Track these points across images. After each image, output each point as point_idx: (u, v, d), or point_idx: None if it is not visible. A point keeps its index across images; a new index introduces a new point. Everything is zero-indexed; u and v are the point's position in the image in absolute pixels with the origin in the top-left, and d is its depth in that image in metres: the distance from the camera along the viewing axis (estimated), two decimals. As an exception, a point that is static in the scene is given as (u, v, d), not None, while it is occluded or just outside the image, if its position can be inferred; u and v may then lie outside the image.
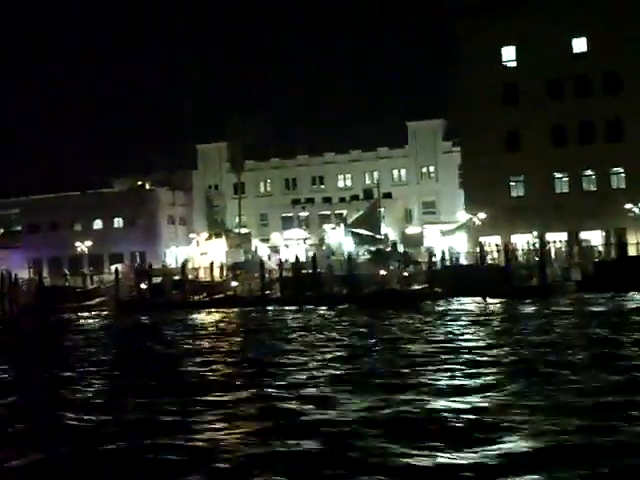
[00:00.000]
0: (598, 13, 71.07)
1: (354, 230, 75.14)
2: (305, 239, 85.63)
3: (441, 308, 47.04)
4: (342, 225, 76.30)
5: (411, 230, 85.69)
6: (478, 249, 64.09)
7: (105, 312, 64.90)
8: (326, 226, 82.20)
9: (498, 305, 47.37)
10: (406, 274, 60.80)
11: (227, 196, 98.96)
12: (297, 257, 64.36)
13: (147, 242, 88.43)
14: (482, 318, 38.59)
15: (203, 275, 72.79)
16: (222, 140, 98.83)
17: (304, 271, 63.07)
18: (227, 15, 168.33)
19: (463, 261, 68.69)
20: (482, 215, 71.57)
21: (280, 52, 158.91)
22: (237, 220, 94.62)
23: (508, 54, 75.14)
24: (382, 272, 59.32)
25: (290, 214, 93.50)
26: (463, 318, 38.80)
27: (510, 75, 74.20)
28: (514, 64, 74.95)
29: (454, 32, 75.34)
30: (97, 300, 71.23)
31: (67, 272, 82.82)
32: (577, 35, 72.71)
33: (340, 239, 73.67)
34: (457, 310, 44.94)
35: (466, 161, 77.11)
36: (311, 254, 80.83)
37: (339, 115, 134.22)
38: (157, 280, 70.21)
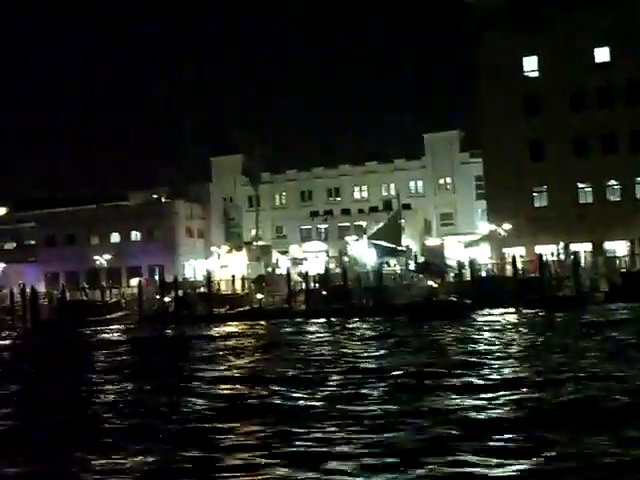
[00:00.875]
0: (620, 23, 70.93)
1: (375, 242, 74.71)
2: (325, 251, 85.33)
3: (485, 318, 46.71)
4: (365, 237, 75.82)
5: (431, 242, 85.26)
6: (509, 259, 64.00)
7: (128, 325, 64.49)
8: (348, 238, 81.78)
9: (540, 315, 47.08)
10: (435, 285, 60.41)
11: (242, 208, 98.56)
12: (327, 269, 64.02)
13: (165, 255, 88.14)
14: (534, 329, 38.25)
15: (224, 288, 72.41)
16: (236, 153, 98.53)
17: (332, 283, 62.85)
18: (231, 31, 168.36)
19: (484, 273, 68.27)
20: (507, 226, 71.20)
21: (291, 64, 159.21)
22: (253, 232, 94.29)
23: (530, 64, 74.93)
24: (431, 283, 59.10)
25: (309, 226, 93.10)
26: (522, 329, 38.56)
27: (532, 86, 73.98)
28: (536, 74, 74.72)
29: (476, 43, 75.16)
30: (119, 314, 70.79)
31: (86, 286, 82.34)
32: (599, 45, 72.50)
33: (363, 251, 73.16)
34: (501, 321, 44.62)
35: (488, 172, 76.70)
36: (331, 266, 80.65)
37: (354, 127, 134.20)
38: (179, 293, 69.93)
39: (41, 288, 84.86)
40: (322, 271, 70.98)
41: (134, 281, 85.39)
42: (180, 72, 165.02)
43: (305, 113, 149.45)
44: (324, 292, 61.81)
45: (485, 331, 38.36)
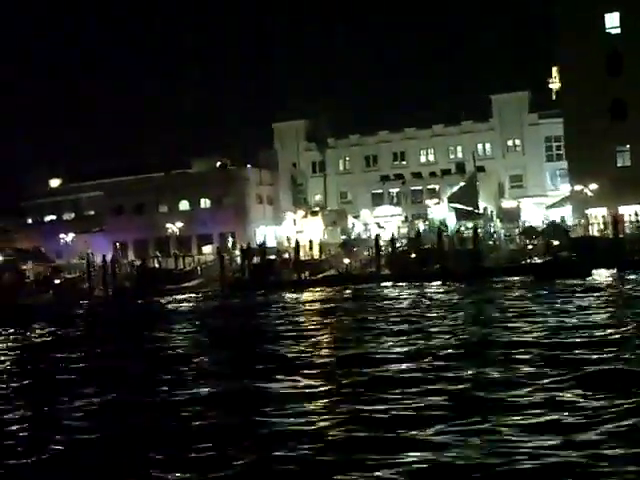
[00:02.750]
0: None
1: (454, 205, 73.88)
2: (404, 216, 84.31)
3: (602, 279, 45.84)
4: (445, 200, 74.86)
5: (507, 204, 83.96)
6: (593, 220, 62.99)
7: (206, 293, 63.88)
8: (429, 201, 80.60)
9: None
10: (530, 247, 59.64)
11: (307, 174, 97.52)
12: (418, 231, 63.14)
13: (236, 222, 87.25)
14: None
15: (301, 253, 71.67)
16: (299, 118, 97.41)
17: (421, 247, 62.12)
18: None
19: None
20: (593, 186, 69.76)
21: (358, 26, 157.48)
22: (317, 198, 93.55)
23: (612, 21, 73.12)
24: (530, 246, 58.54)
25: (380, 190, 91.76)
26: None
27: (614, 43, 72.15)
28: (618, 31, 72.90)
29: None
30: (196, 281, 70.36)
31: (159, 254, 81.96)
32: (685, -1, 70.58)
33: (444, 214, 72.19)
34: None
35: (569, 132, 75.16)
36: (404, 231, 79.82)
37: (419, 90, 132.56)
38: (257, 259, 69.35)
39: (108, 257, 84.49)
40: (395, 236, 70.20)
41: (207, 248, 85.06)
42: (238, 40, 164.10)
43: (368, 77, 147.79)
44: (413, 255, 60.96)
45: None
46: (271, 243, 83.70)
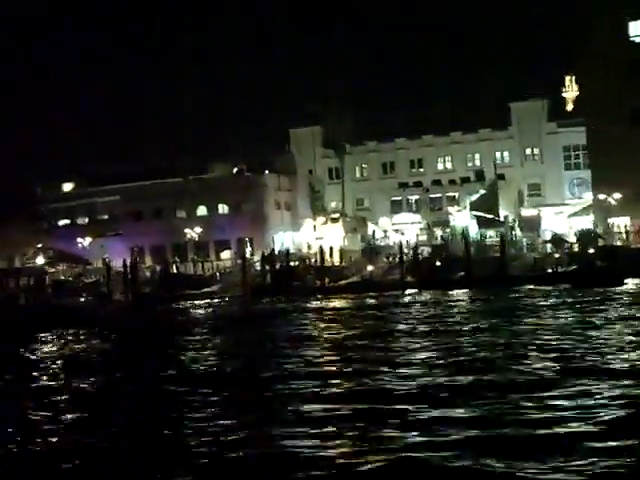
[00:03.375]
0: None
1: (475, 213, 73.59)
2: (422, 223, 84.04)
3: None
4: (468, 207, 74.56)
5: (527, 212, 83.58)
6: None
7: (228, 298, 63.52)
8: (451, 209, 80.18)
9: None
10: (557, 256, 59.36)
11: (324, 180, 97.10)
12: (444, 239, 62.79)
13: (254, 228, 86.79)
14: None
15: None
16: (316, 124, 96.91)
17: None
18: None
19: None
20: (617, 195, 69.41)
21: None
22: (333, 204, 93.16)
23: (636, 29, 72.86)
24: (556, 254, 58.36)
25: (398, 197, 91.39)
26: None
27: (638, 51, 71.89)
28: (643, 40, 72.77)
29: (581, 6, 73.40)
30: (216, 287, 70.06)
31: (177, 259, 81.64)
32: None
33: (467, 222, 71.80)
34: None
35: (592, 140, 74.90)
36: (423, 238, 79.55)
37: (436, 97, 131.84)
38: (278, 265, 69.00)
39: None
40: (416, 243, 69.95)
41: (225, 254, 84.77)
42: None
43: (386, 83, 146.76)
44: (438, 263, 60.61)
45: None
46: (291, 249, 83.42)
